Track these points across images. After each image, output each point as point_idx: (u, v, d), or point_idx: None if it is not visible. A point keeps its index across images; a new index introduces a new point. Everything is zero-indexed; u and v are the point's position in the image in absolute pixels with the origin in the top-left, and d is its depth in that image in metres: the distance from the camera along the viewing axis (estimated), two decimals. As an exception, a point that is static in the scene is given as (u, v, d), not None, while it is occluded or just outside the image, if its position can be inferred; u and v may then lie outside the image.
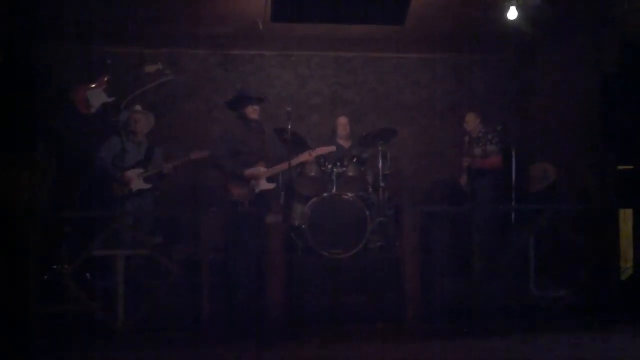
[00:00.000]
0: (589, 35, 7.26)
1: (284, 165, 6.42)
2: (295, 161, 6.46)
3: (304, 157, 6.53)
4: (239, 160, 6.40)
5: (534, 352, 4.96)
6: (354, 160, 6.85)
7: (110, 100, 6.43)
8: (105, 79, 6.48)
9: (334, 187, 6.66)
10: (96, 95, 6.39)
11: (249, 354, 4.97)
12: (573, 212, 6.53)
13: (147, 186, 6.45)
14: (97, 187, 6.38)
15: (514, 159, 6.87)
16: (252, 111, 6.43)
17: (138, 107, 6.62)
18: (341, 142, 7.55)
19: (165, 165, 6.53)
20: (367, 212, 6.52)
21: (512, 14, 6.76)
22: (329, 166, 6.74)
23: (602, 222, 6.34)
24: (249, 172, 6.36)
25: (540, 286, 5.94)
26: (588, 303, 5.77)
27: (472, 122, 7.09)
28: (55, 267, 6.04)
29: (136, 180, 6.38)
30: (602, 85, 6.71)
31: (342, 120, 7.64)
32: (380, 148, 7.05)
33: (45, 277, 5.79)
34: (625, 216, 6.34)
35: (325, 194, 6.59)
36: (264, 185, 6.40)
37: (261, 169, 6.38)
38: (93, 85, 6.43)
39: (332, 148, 6.76)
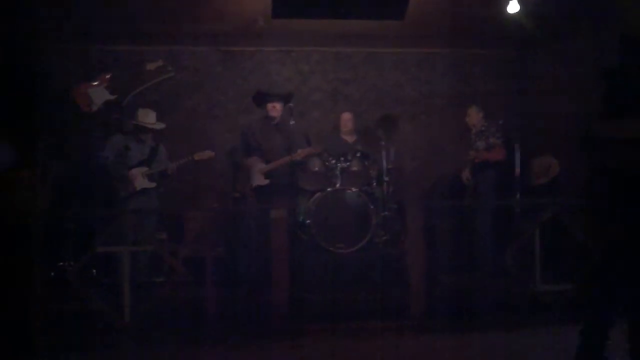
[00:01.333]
0: (590, 30, 7.26)
1: (281, 162, 6.48)
2: (283, 161, 6.52)
3: (294, 156, 6.55)
4: (248, 156, 6.48)
5: (539, 346, 4.96)
6: (358, 154, 6.86)
7: (113, 98, 6.42)
8: (107, 76, 6.47)
9: (338, 182, 6.66)
10: (98, 93, 6.38)
11: (254, 350, 4.97)
12: (577, 205, 6.52)
13: (152, 185, 6.43)
14: (100, 186, 6.35)
15: (517, 153, 6.87)
16: (271, 108, 6.59)
17: (152, 124, 6.57)
18: (345, 137, 7.57)
19: (169, 164, 6.52)
20: (372, 207, 6.52)
21: (513, 8, 6.76)
22: (333, 161, 6.75)
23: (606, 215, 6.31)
24: (247, 161, 6.43)
25: (545, 280, 5.93)
26: (591, 298, 5.75)
27: (474, 116, 7.10)
28: (60, 264, 6.05)
29: (140, 178, 6.35)
30: (603, 80, 6.69)
31: (346, 116, 7.65)
32: (383, 143, 7.06)
33: (52, 274, 5.79)
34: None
35: (329, 189, 6.60)
36: (260, 180, 6.44)
37: (260, 165, 6.43)
38: (95, 83, 6.41)
39: (317, 149, 6.80)
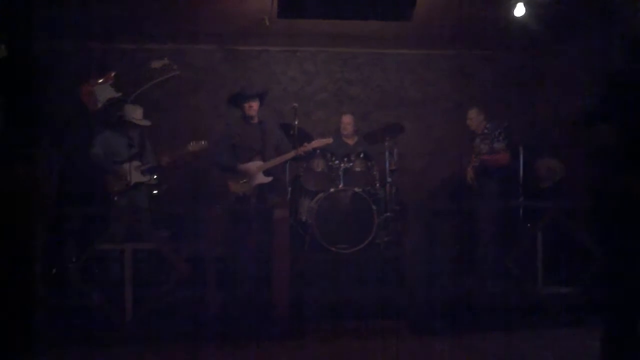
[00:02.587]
0: (595, 31, 7.24)
1: (279, 159, 6.48)
2: (288, 156, 6.50)
3: (301, 150, 6.54)
4: (236, 156, 6.46)
5: (540, 349, 4.95)
6: (361, 155, 6.85)
7: (118, 96, 6.43)
8: (113, 74, 6.49)
9: (341, 183, 6.67)
10: (103, 91, 6.40)
11: (255, 350, 4.97)
12: (581, 209, 6.50)
13: (145, 179, 6.42)
14: (97, 182, 6.34)
15: (521, 156, 6.85)
16: (248, 108, 6.50)
17: (139, 120, 6.52)
18: (346, 140, 7.59)
19: (163, 157, 6.50)
20: (374, 208, 6.52)
21: (519, 10, 6.75)
22: (336, 162, 6.75)
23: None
24: (242, 166, 6.41)
25: (547, 283, 5.92)
26: (595, 300, 5.74)
27: (474, 118, 7.04)
28: (62, 262, 6.04)
29: (134, 173, 6.34)
30: (608, 82, 6.67)
31: (346, 119, 7.67)
32: (386, 144, 7.06)
33: (53, 271, 5.79)
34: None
35: (332, 189, 6.60)
36: (261, 179, 6.44)
37: (257, 163, 6.43)
38: (100, 81, 6.44)
39: (329, 140, 6.78)
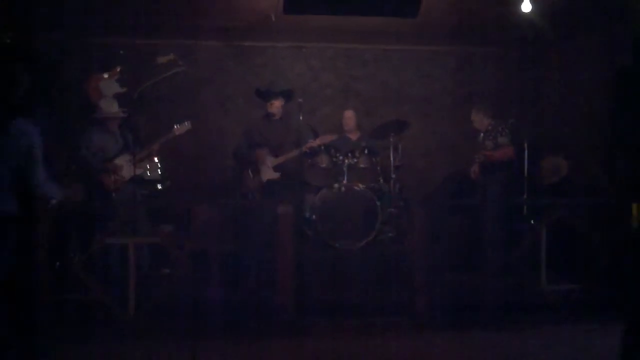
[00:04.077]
0: (601, 30, 7.22)
1: (290, 154, 6.58)
2: (294, 153, 6.58)
3: (308, 146, 6.65)
4: (254, 151, 6.62)
5: (545, 346, 4.95)
6: (365, 151, 6.86)
7: (123, 91, 6.45)
8: (118, 69, 6.51)
9: (345, 178, 6.66)
10: (109, 86, 6.43)
11: (258, 345, 4.99)
12: (585, 206, 6.49)
13: (139, 171, 6.33)
14: (96, 178, 6.30)
15: (526, 153, 6.84)
16: (271, 105, 6.74)
17: (115, 113, 6.44)
18: (348, 135, 7.62)
19: (151, 145, 6.43)
20: (378, 204, 6.52)
21: (526, 7, 6.72)
22: (340, 157, 6.76)
23: (615, 216, 6.29)
24: (258, 152, 6.60)
25: (551, 280, 5.91)
26: (599, 297, 5.74)
27: (477, 119, 7.02)
28: (66, 256, 6.07)
29: (127, 167, 6.24)
30: (614, 79, 6.66)
31: (348, 114, 7.77)
32: (391, 140, 7.06)
33: (57, 265, 5.82)
34: (638, 210, 6.27)
35: (335, 185, 6.60)
36: (271, 174, 6.50)
37: (269, 159, 6.49)
38: (106, 76, 6.46)
39: (334, 136, 6.94)
